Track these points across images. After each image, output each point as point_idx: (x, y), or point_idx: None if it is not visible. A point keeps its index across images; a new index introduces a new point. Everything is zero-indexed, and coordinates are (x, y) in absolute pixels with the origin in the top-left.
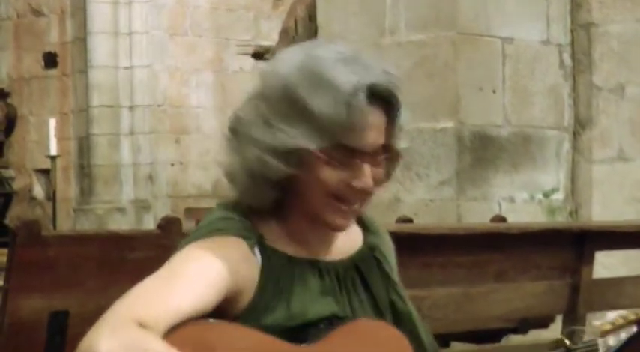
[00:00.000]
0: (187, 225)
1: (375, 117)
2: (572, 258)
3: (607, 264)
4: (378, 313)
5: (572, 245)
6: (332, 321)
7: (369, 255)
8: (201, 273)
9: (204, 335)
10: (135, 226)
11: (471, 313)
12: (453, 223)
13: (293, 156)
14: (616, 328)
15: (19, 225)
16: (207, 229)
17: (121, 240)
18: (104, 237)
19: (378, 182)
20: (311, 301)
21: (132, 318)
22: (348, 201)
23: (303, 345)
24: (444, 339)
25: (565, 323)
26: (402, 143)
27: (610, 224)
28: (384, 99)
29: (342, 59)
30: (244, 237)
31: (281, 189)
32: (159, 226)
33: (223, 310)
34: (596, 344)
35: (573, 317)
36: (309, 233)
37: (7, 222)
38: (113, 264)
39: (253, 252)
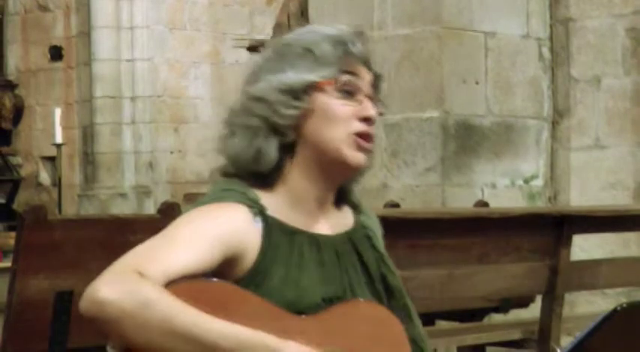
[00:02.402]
0: (186, 209)
1: (364, 68)
2: (551, 241)
3: (584, 247)
4: (372, 286)
5: (551, 229)
6: (331, 298)
7: (361, 233)
8: (202, 233)
9: (215, 291)
10: (136, 211)
11: (455, 293)
12: (438, 208)
13: (300, 92)
14: None
15: (26, 209)
16: (209, 197)
17: (123, 223)
18: (107, 221)
19: (373, 128)
20: (308, 273)
21: (133, 269)
22: (360, 133)
23: (302, 316)
24: (429, 318)
25: (544, 302)
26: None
27: (587, 209)
28: (365, 57)
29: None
30: (246, 205)
31: (289, 140)
32: (159, 211)
33: (224, 273)
34: None
35: (552, 298)
36: (311, 198)
37: (15, 206)
38: (116, 246)
39: (255, 220)
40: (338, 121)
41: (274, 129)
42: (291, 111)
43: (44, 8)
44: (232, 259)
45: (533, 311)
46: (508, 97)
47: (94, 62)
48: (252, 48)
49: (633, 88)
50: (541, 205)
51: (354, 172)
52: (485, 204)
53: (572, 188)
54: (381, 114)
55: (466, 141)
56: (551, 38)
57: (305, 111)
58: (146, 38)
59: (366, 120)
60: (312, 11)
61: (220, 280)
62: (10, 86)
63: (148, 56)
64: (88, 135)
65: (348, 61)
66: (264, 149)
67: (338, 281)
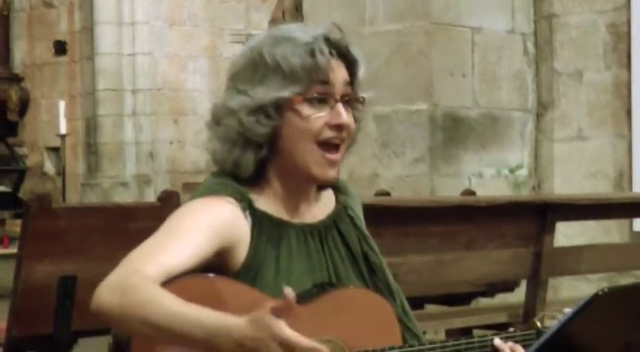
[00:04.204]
0: (185, 198)
1: (337, 66)
2: (535, 228)
3: (567, 234)
4: (355, 267)
5: (535, 216)
6: (323, 285)
7: (343, 213)
8: (195, 226)
9: (212, 286)
10: (137, 199)
11: (443, 278)
12: (426, 196)
13: (271, 110)
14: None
15: (31, 198)
16: (202, 191)
17: (125, 211)
18: (109, 208)
19: (350, 129)
20: (297, 263)
21: (131, 269)
22: (332, 145)
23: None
24: (418, 302)
25: (529, 287)
26: (366, 93)
27: (570, 197)
28: (340, 51)
29: (298, 24)
30: (237, 199)
31: (264, 153)
32: (159, 199)
33: (219, 268)
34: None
35: (536, 282)
36: (294, 194)
37: (20, 195)
38: (117, 233)
39: (245, 215)
40: (308, 135)
41: (250, 142)
42: (263, 129)
43: (49, 5)
44: (226, 251)
45: (519, 295)
46: (494, 90)
47: (96, 56)
48: None
49: (613, 81)
50: (525, 194)
51: (328, 184)
52: (472, 193)
53: (555, 177)
54: (360, 99)
55: (453, 132)
56: (535, 33)
57: (277, 127)
58: (147, 33)
59: (337, 126)
60: (306, 7)
61: (217, 275)
62: (17, 79)
63: (149, 50)
64: (91, 126)
65: (318, 69)
66: (242, 160)
67: (323, 268)
